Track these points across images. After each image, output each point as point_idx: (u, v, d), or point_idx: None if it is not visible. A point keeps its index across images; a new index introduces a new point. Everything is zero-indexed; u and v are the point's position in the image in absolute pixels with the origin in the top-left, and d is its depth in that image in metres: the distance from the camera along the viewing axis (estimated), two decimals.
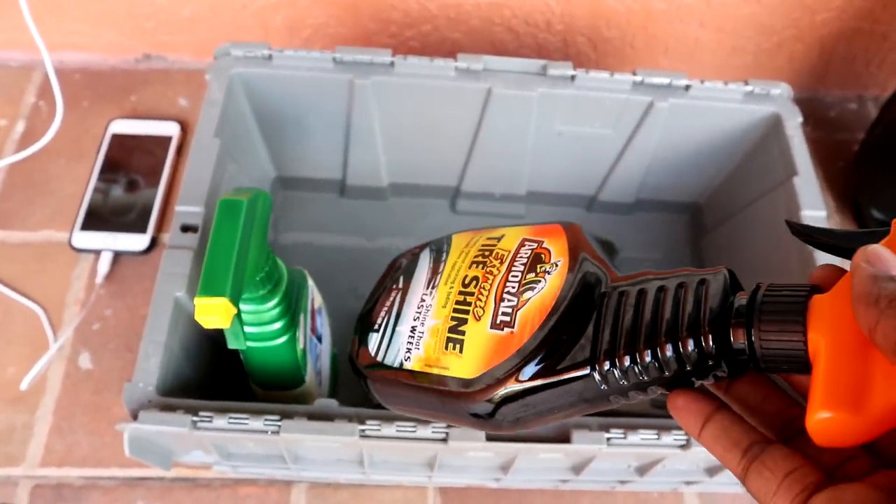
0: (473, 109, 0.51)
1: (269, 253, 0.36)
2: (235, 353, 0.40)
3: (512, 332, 0.27)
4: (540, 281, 0.28)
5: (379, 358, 0.32)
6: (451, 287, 0.31)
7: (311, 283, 0.44)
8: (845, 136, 0.70)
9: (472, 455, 0.41)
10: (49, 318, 0.55)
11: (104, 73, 0.67)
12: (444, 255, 0.34)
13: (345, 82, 0.49)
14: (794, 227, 0.26)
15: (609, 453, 0.39)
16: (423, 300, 0.32)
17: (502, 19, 0.63)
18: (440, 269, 0.33)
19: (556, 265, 0.28)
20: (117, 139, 0.62)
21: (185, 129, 0.64)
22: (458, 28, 0.63)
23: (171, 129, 0.63)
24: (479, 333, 0.28)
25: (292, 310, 0.39)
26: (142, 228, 0.58)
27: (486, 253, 0.31)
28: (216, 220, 0.32)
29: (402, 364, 0.31)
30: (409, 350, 0.31)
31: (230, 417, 0.37)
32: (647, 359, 0.24)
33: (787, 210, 0.49)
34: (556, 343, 0.26)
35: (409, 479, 0.48)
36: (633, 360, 0.24)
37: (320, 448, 0.41)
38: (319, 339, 0.45)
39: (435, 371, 0.29)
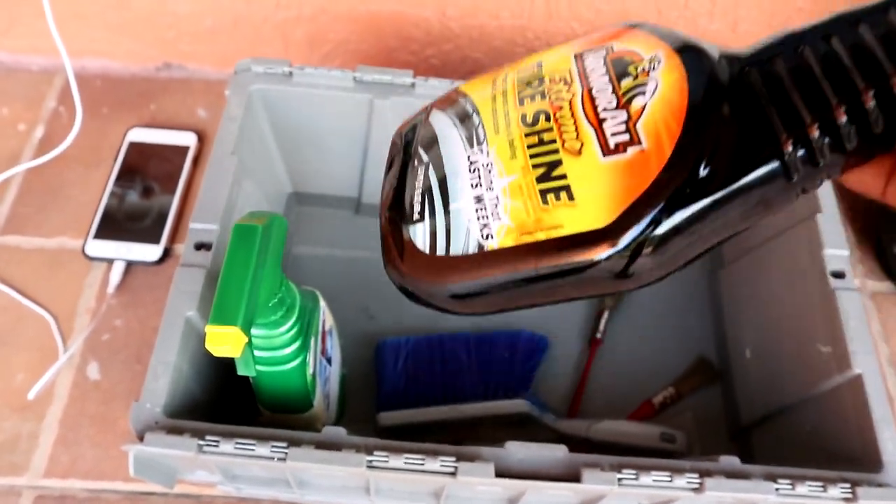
0: None
1: (282, 278, 0.36)
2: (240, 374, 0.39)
3: (642, 150, 0.21)
4: (645, 83, 0.22)
5: (440, 251, 0.24)
6: (510, 133, 0.24)
7: (322, 304, 0.43)
8: None
9: (480, 488, 0.40)
10: (59, 326, 0.55)
11: (124, 80, 0.67)
12: (470, 107, 0.27)
13: (365, 102, 0.49)
14: None
15: (620, 493, 0.38)
16: (473, 162, 0.25)
17: (525, 41, 0.62)
18: (476, 122, 0.26)
19: (658, 60, 0.23)
20: (135, 147, 0.62)
21: (202, 139, 0.64)
22: (479, 48, 0.63)
23: (188, 140, 0.63)
24: (589, 168, 0.22)
25: (303, 334, 0.38)
26: (155, 238, 0.58)
27: (535, 83, 0.25)
28: (230, 245, 0.32)
29: (482, 245, 0.24)
30: (485, 226, 0.24)
31: (237, 442, 0.36)
32: (844, 120, 0.20)
33: (808, 247, 0.48)
34: (720, 143, 0.21)
35: None
36: (828, 129, 0.20)
37: (327, 475, 0.40)
38: (329, 361, 0.45)
39: (541, 236, 0.22)
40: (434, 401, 0.49)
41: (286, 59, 0.49)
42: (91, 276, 0.57)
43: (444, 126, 0.27)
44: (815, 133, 0.20)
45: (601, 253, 0.22)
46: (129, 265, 0.57)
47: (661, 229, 0.21)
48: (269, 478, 0.42)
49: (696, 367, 0.55)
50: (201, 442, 0.36)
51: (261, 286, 0.32)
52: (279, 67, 0.49)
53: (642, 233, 0.21)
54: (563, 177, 0.23)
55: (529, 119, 0.24)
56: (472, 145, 0.25)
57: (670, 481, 0.38)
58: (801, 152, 0.20)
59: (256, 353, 0.37)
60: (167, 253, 0.58)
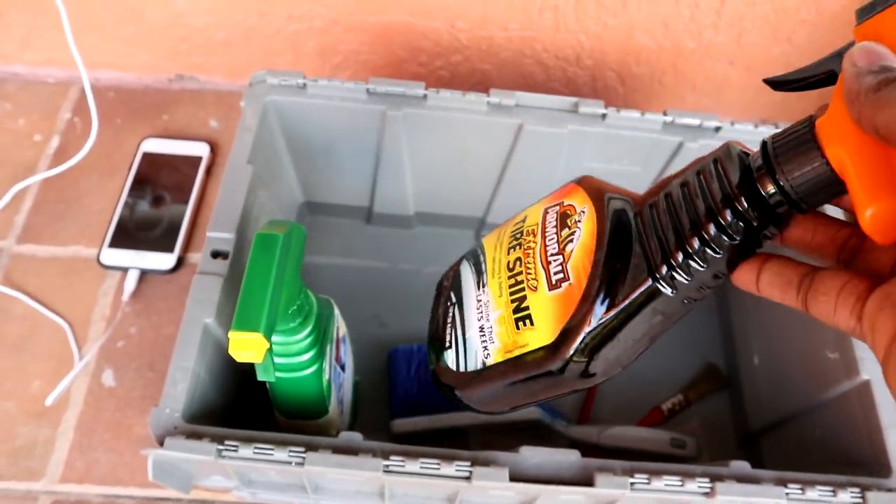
0: (504, 144, 0.51)
1: (301, 286, 0.36)
2: (259, 380, 0.40)
3: (570, 284, 0.28)
4: (574, 231, 0.29)
5: (461, 369, 0.33)
6: (500, 277, 0.32)
7: (336, 311, 0.44)
8: None
9: (493, 493, 0.41)
10: (74, 334, 0.55)
11: (138, 91, 0.69)
12: (481, 256, 0.35)
13: (377, 113, 0.49)
14: (771, 82, 0.27)
15: (632, 498, 0.39)
16: (479, 300, 0.33)
17: (533, 52, 0.63)
18: (483, 269, 0.34)
19: (584, 212, 0.30)
20: (148, 157, 0.63)
21: (214, 149, 0.65)
22: (488, 59, 0.64)
23: (201, 150, 0.64)
24: (541, 300, 0.29)
25: (320, 341, 0.39)
26: (168, 247, 0.59)
27: (518, 235, 0.32)
28: (252, 253, 0.33)
29: (484, 363, 0.32)
30: (485, 348, 0.32)
31: (255, 447, 0.37)
32: (697, 245, 0.25)
33: None
34: (612, 274, 0.27)
35: None
36: (686, 253, 0.25)
37: (342, 479, 0.41)
38: (343, 367, 0.45)
39: (516, 352, 0.30)
40: (446, 408, 0.50)
41: (300, 72, 0.50)
42: (106, 285, 0.58)
43: (466, 274, 0.36)
44: (679, 256, 0.26)
45: (554, 362, 0.28)
46: (143, 273, 0.58)
47: (591, 341, 0.28)
48: (285, 483, 0.43)
49: (705, 373, 0.55)
50: (220, 447, 0.37)
51: (281, 294, 0.33)
52: (293, 79, 0.50)
53: (578, 345, 0.28)
54: (527, 308, 0.30)
55: (511, 265, 0.32)
56: (479, 287, 0.34)
57: (681, 486, 0.38)
58: (674, 273, 0.26)
59: (275, 359, 0.38)
60: (181, 262, 0.59)
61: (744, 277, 0.26)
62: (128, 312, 0.56)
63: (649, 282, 0.26)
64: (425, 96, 0.49)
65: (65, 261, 0.59)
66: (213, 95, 0.69)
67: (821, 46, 0.62)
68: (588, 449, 0.43)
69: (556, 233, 0.30)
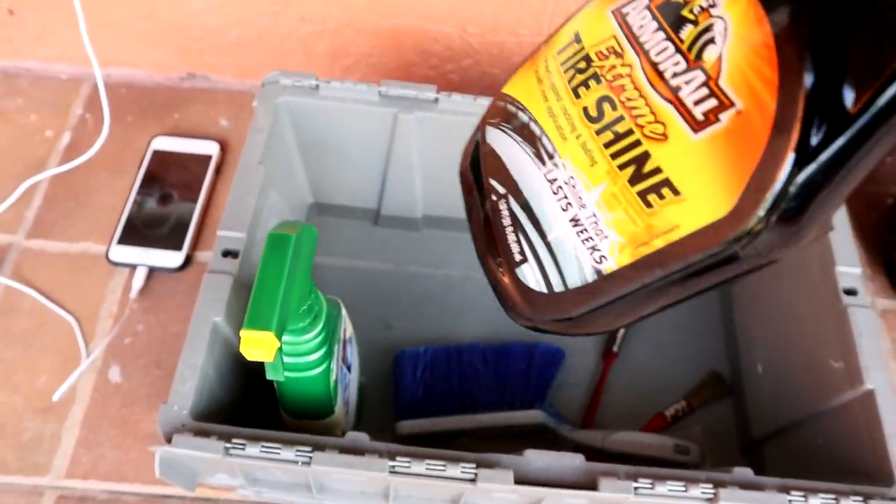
0: None
1: (312, 286, 0.37)
2: (266, 379, 0.40)
3: (739, 112, 0.17)
4: (710, 25, 0.18)
5: (557, 287, 0.22)
6: (579, 136, 0.21)
7: (344, 312, 0.44)
8: (879, 188, 0.70)
9: (498, 496, 0.41)
10: (82, 330, 0.56)
11: (149, 89, 0.69)
12: (522, 113, 0.23)
13: (389, 116, 0.50)
14: None
15: (635, 502, 0.39)
16: (553, 181, 0.22)
17: None
18: (538, 133, 0.22)
19: None
20: (158, 155, 0.64)
21: (224, 148, 0.65)
22: (498, 64, 0.64)
23: (211, 149, 0.64)
24: (683, 151, 0.18)
25: (329, 341, 0.39)
26: (177, 245, 0.59)
27: (582, 66, 0.21)
28: (264, 253, 0.33)
29: (598, 272, 0.21)
30: (594, 248, 0.21)
31: (262, 446, 0.37)
32: None
33: (820, 264, 0.49)
34: (822, 74, 0.16)
35: None
36: None
37: (347, 480, 0.41)
38: (349, 368, 0.46)
39: (659, 243, 0.19)
40: (451, 411, 0.50)
41: (313, 73, 0.50)
42: (114, 282, 0.58)
43: (506, 146, 0.24)
44: None
45: (733, 244, 0.18)
46: (152, 271, 0.58)
47: (794, 199, 0.17)
48: (290, 482, 0.43)
49: (708, 381, 0.56)
50: (228, 445, 0.37)
51: (292, 293, 0.33)
52: (306, 81, 0.50)
53: (772, 208, 0.17)
54: (658, 171, 0.19)
55: (594, 112, 0.21)
56: (543, 162, 0.22)
57: (685, 491, 0.38)
58: None
59: (284, 358, 0.38)
60: (189, 260, 0.59)
61: None
62: (135, 309, 0.57)
63: None
64: (437, 100, 0.50)
65: (74, 257, 0.59)
66: (225, 94, 0.69)
67: None
68: (592, 453, 0.43)
69: (669, 37, 0.19)
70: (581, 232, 0.21)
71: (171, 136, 0.65)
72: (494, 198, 0.25)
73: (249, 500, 0.49)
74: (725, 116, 0.18)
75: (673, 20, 0.19)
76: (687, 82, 0.19)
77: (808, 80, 0.16)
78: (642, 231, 0.20)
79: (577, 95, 0.21)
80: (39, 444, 0.51)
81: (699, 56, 0.18)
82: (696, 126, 0.18)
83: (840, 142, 0.16)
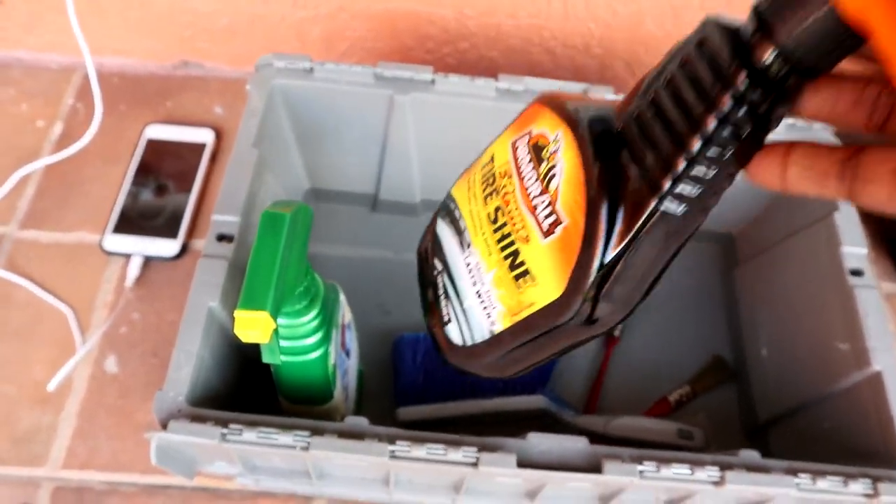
0: None
1: (308, 267, 0.36)
2: (264, 364, 0.40)
3: (566, 227, 0.24)
4: (554, 164, 0.25)
5: (469, 342, 0.30)
6: (483, 233, 0.29)
7: (342, 297, 0.43)
8: None
9: (500, 480, 0.40)
10: (78, 320, 0.55)
11: (142, 77, 0.68)
12: (456, 211, 0.31)
13: (385, 97, 0.49)
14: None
15: (640, 485, 0.38)
16: (467, 263, 0.30)
17: (541, 40, 0.63)
18: (462, 227, 0.30)
19: (559, 139, 0.25)
20: (152, 144, 0.63)
21: (219, 136, 0.64)
22: (495, 47, 0.63)
23: (205, 137, 0.63)
24: (537, 252, 0.26)
25: (326, 325, 0.38)
26: (172, 234, 0.58)
27: (490, 180, 0.29)
28: (259, 233, 0.32)
29: (492, 331, 0.28)
30: (488, 315, 0.28)
31: (260, 431, 0.36)
32: (698, 146, 0.22)
33: (826, 245, 0.48)
34: (611, 204, 0.23)
35: (433, 500, 0.47)
36: (689, 159, 0.22)
37: (347, 465, 0.40)
38: (348, 354, 0.45)
39: (525, 314, 0.27)
40: (451, 396, 0.49)
41: (307, 55, 0.49)
42: (109, 271, 0.57)
43: (445, 235, 0.32)
44: (680, 165, 0.22)
45: (565, 315, 0.25)
46: (147, 260, 0.57)
47: (601, 288, 0.24)
48: (289, 469, 0.42)
49: (712, 365, 0.55)
50: (224, 430, 0.36)
51: (288, 273, 0.32)
52: (300, 63, 0.49)
53: (587, 293, 0.24)
54: (523, 263, 0.27)
55: (492, 217, 0.28)
56: (463, 249, 0.30)
57: (691, 474, 0.38)
58: (680, 185, 0.22)
59: (280, 342, 0.37)
60: (185, 248, 0.58)
61: (765, 174, 0.22)
62: (131, 298, 0.56)
63: (654, 202, 0.23)
64: (433, 81, 0.49)
65: (68, 247, 0.58)
66: (218, 82, 0.68)
67: None
68: (595, 439, 0.43)
69: (535, 169, 0.26)
70: (482, 302, 0.29)
71: (164, 124, 0.64)
72: (435, 273, 0.32)
73: (248, 489, 0.49)
74: (559, 229, 0.25)
75: (538, 156, 0.27)
76: (541, 203, 0.26)
77: (602, 211, 0.24)
78: (515, 304, 0.27)
79: (485, 203, 0.29)
80: (35, 435, 0.50)
81: (548, 185, 0.26)
82: (545, 234, 0.26)
83: (620, 250, 0.24)
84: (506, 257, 0.27)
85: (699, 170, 0.22)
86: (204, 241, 0.58)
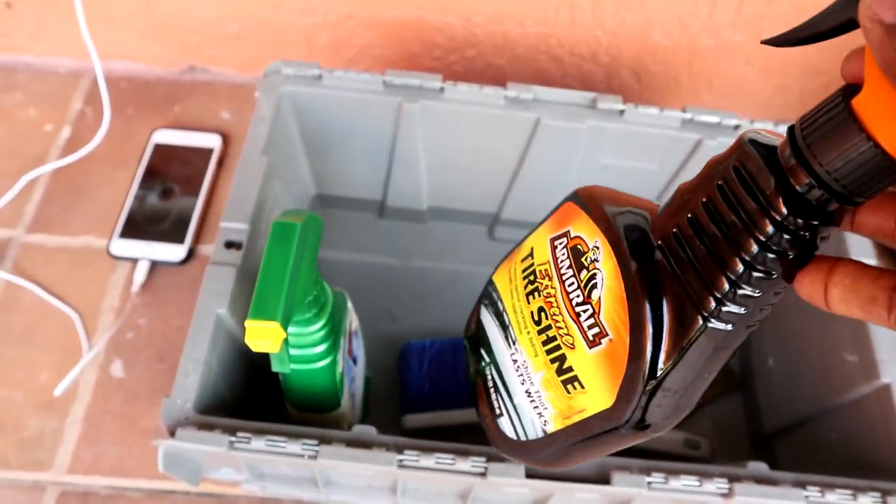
0: (520, 138, 0.51)
1: (317, 276, 0.36)
2: (271, 371, 0.40)
3: (611, 341, 0.25)
4: (595, 273, 0.25)
5: (522, 438, 0.30)
6: (528, 332, 0.29)
7: (349, 304, 0.43)
8: None
9: (508, 490, 0.40)
10: (84, 324, 0.55)
11: (150, 82, 0.68)
12: (500, 304, 0.31)
13: (393, 105, 0.49)
14: (772, 41, 0.22)
15: (648, 497, 0.38)
16: (514, 360, 0.30)
17: (548, 48, 0.63)
18: (507, 322, 0.30)
19: (598, 247, 0.25)
20: (160, 149, 0.63)
21: (226, 141, 0.64)
22: (503, 55, 0.63)
23: (212, 142, 0.63)
24: (584, 361, 0.26)
25: (334, 333, 0.38)
26: (179, 239, 0.58)
27: (532, 277, 0.29)
28: (269, 242, 0.32)
29: (545, 431, 0.28)
30: (540, 415, 0.28)
31: (268, 439, 0.36)
32: (741, 268, 0.21)
33: (835, 254, 0.48)
34: (656, 323, 0.23)
35: None
36: (732, 282, 0.22)
37: (354, 473, 0.40)
38: (355, 361, 0.45)
39: (576, 419, 0.27)
40: (457, 404, 0.49)
41: (315, 62, 0.49)
42: (115, 275, 0.57)
43: (490, 327, 0.32)
44: (724, 287, 0.22)
45: (616, 422, 0.25)
46: (154, 265, 0.57)
47: (651, 398, 0.24)
48: (296, 476, 0.42)
49: (719, 375, 0.55)
50: (232, 438, 0.36)
51: (298, 283, 0.32)
52: (309, 70, 0.49)
53: (637, 404, 0.24)
54: (571, 369, 0.26)
55: (536, 317, 0.28)
56: (510, 345, 0.30)
57: (699, 486, 0.37)
58: (725, 306, 0.22)
59: (289, 350, 0.37)
60: (191, 253, 0.58)
61: (807, 290, 0.22)
62: (137, 303, 0.56)
63: (700, 322, 0.22)
64: (442, 89, 0.49)
65: (75, 251, 0.58)
66: (226, 87, 0.68)
67: (840, 48, 0.62)
68: None
69: (575, 275, 0.26)
70: (532, 402, 0.29)
71: (172, 129, 0.64)
72: (483, 363, 0.32)
73: (254, 495, 0.49)
74: (604, 341, 0.25)
75: (577, 262, 0.26)
76: (584, 311, 0.26)
77: (648, 329, 0.23)
78: (566, 408, 0.27)
79: (528, 301, 0.29)
80: (41, 440, 0.50)
81: (589, 294, 0.26)
82: (590, 344, 0.25)
83: (671, 374, 0.24)
84: (552, 360, 0.27)
85: (745, 291, 0.22)
86: (210, 246, 0.58)
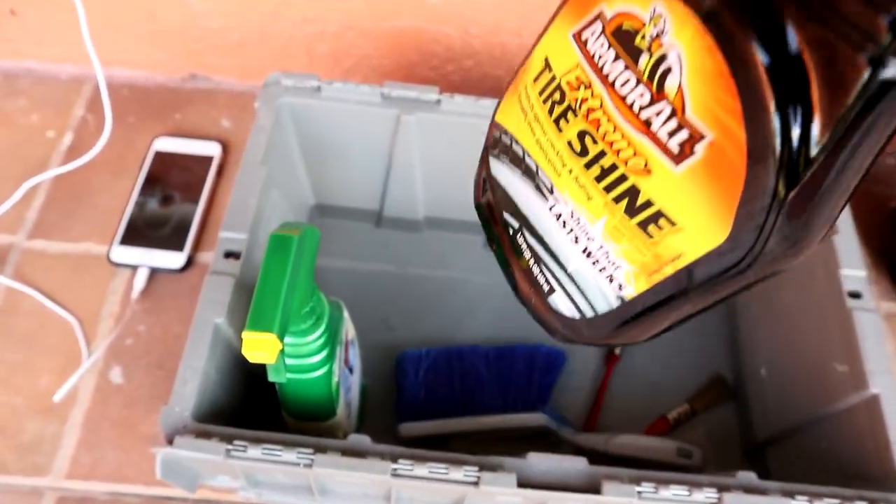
0: None
1: (314, 288, 0.36)
2: (268, 381, 0.40)
3: (712, 142, 0.17)
4: (665, 53, 0.17)
5: (588, 314, 0.23)
6: (571, 170, 0.21)
7: (346, 314, 0.44)
8: (883, 189, 0.70)
9: (500, 499, 0.41)
10: (83, 331, 0.55)
11: (151, 90, 0.69)
12: (517, 147, 0.23)
13: (391, 117, 0.50)
14: None
15: None
16: (558, 215, 0.22)
17: None
18: (534, 167, 0.22)
19: (660, 15, 0.17)
20: (160, 156, 0.64)
21: (226, 149, 0.65)
22: (500, 65, 0.64)
23: (212, 150, 0.64)
24: (669, 184, 0.18)
25: (331, 343, 0.39)
26: (178, 246, 0.59)
27: (557, 97, 0.21)
28: (266, 254, 0.33)
29: (622, 298, 0.21)
30: (611, 278, 0.21)
31: (264, 448, 0.37)
32: None
33: (825, 267, 0.49)
34: (790, 94, 0.15)
35: None
36: None
37: (349, 482, 0.41)
38: (351, 370, 0.45)
39: (669, 270, 0.20)
40: (453, 413, 0.50)
41: (314, 74, 0.50)
42: (115, 282, 0.58)
43: (510, 180, 0.24)
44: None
45: (735, 261, 0.19)
46: (153, 272, 0.58)
47: (785, 215, 0.17)
48: (291, 484, 0.43)
49: (712, 384, 0.55)
50: (229, 446, 0.37)
51: (295, 295, 0.33)
52: (308, 82, 0.50)
53: (763, 226, 0.18)
54: (650, 203, 0.19)
55: (577, 147, 0.20)
56: (545, 197, 0.22)
57: (689, 495, 0.38)
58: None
59: (286, 360, 0.38)
60: (190, 261, 0.59)
61: None
62: (137, 310, 0.57)
63: (867, 70, 0.14)
64: (439, 101, 0.49)
65: (75, 257, 0.59)
66: (226, 95, 0.69)
67: None
68: (595, 456, 0.43)
69: (629, 67, 0.18)
70: (595, 263, 0.21)
71: (172, 136, 0.65)
72: (511, 232, 0.24)
73: (250, 503, 0.49)
74: (700, 148, 0.17)
75: (629, 49, 0.19)
76: (656, 114, 0.18)
77: (771, 106, 0.16)
78: (651, 260, 0.20)
79: (560, 129, 0.21)
80: (40, 445, 0.51)
81: (660, 87, 0.18)
82: (675, 158, 0.18)
83: (819, 160, 0.16)
84: (617, 199, 0.20)
85: None
86: (209, 253, 0.59)
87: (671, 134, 0.18)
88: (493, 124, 0.25)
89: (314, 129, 0.52)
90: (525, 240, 0.24)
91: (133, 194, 0.61)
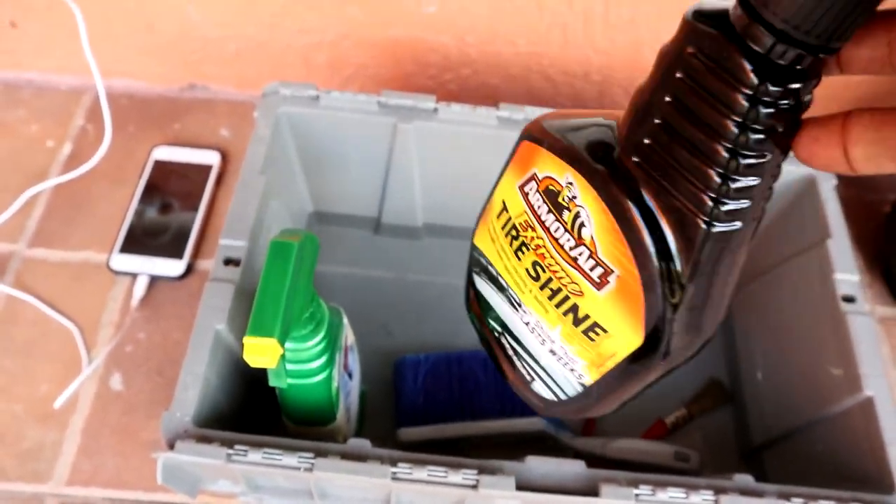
0: None
1: (314, 294, 0.37)
2: (268, 386, 0.40)
3: (619, 276, 0.23)
4: (577, 211, 0.23)
5: (563, 397, 0.28)
6: (530, 290, 0.26)
7: (345, 320, 0.44)
8: (876, 196, 0.70)
9: (499, 502, 0.41)
10: (84, 338, 0.56)
11: (150, 99, 0.69)
12: (491, 268, 0.29)
13: (388, 125, 0.50)
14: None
15: None
16: (526, 323, 0.28)
17: (541, 68, 0.64)
18: (504, 285, 0.28)
19: (571, 182, 0.23)
20: (160, 165, 0.64)
21: (225, 158, 0.65)
22: (496, 74, 0.65)
23: (211, 158, 0.65)
24: (598, 305, 0.24)
25: (330, 349, 0.39)
26: (178, 254, 0.59)
27: (514, 233, 0.26)
28: (267, 261, 0.33)
29: (583, 384, 0.27)
30: (572, 370, 0.27)
31: (264, 452, 0.37)
32: (727, 158, 0.19)
33: (819, 272, 0.49)
34: (661, 246, 0.22)
35: None
36: (722, 175, 0.20)
37: (349, 486, 0.41)
38: (350, 375, 0.46)
39: (609, 364, 0.25)
40: (452, 418, 0.50)
41: (312, 83, 0.51)
42: (115, 290, 0.58)
43: (489, 293, 0.30)
44: (714, 182, 0.20)
45: (651, 359, 0.24)
46: (153, 280, 0.58)
47: (679, 321, 0.23)
48: (292, 489, 0.43)
49: (709, 388, 0.56)
50: (230, 451, 0.37)
51: (295, 301, 0.33)
52: (306, 91, 0.50)
53: (669, 332, 0.23)
54: (588, 316, 0.25)
55: (532, 273, 0.26)
56: (516, 309, 0.28)
57: (686, 498, 0.38)
58: (723, 204, 0.20)
59: (286, 365, 0.38)
60: (190, 268, 0.59)
61: (820, 159, 0.19)
62: (137, 317, 0.57)
63: (703, 227, 0.20)
64: (436, 109, 0.50)
65: (75, 265, 0.59)
66: (225, 105, 0.69)
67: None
68: (592, 460, 0.44)
69: (557, 219, 0.24)
70: (560, 359, 0.27)
71: (172, 145, 0.65)
72: (496, 334, 0.30)
73: None
74: (612, 279, 0.23)
75: (555, 204, 0.24)
76: (580, 255, 0.24)
77: (652, 254, 0.22)
78: (595, 357, 0.25)
79: (518, 258, 0.27)
80: (40, 452, 0.51)
81: (580, 235, 0.24)
82: (597, 286, 0.24)
83: (690, 290, 0.22)
84: (565, 313, 0.25)
85: (740, 183, 0.20)
86: (208, 261, 0.59)
87: (592, 269, 0.24)
88: (473, 246, 0.31)
89: (313, 138, 0.52)
90: (507, 341, 0.30)
91: (132, 203, 0.62)
